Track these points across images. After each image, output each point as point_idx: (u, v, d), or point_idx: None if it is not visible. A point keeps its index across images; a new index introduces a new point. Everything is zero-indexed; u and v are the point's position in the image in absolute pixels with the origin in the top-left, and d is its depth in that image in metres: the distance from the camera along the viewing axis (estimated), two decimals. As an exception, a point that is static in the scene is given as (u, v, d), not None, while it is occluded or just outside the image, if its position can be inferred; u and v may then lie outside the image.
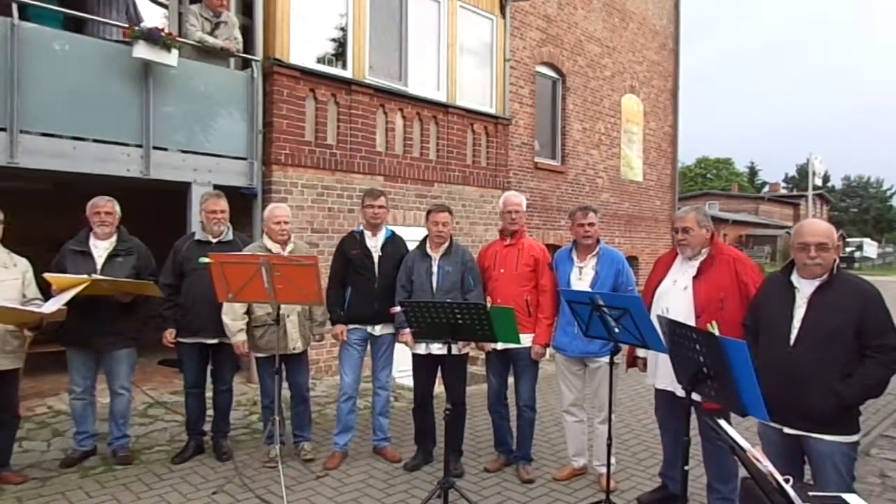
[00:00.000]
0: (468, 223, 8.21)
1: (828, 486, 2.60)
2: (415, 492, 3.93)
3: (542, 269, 4.16)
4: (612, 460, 3.77)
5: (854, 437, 2.76)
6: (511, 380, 4.32)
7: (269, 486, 3.92)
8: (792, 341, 2.80)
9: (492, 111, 8.56)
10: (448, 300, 3.75)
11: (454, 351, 3.72)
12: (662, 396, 3.64)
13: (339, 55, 6.95)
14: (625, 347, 3.62)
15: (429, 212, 4.28)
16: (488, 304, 3.97)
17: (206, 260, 3.81)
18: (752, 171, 67.07)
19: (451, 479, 3.60)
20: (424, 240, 4.30)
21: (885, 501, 3.99)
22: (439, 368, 4.29)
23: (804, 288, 2.84)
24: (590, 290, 3.82)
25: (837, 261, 2.82)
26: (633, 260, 12.28)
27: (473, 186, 8.30)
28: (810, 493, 1.87)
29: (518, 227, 4.28)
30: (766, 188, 56.90)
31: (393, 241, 4.44)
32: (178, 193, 5.79)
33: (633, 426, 5.41)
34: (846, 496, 1.90)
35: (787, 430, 2.82)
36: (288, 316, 4.16)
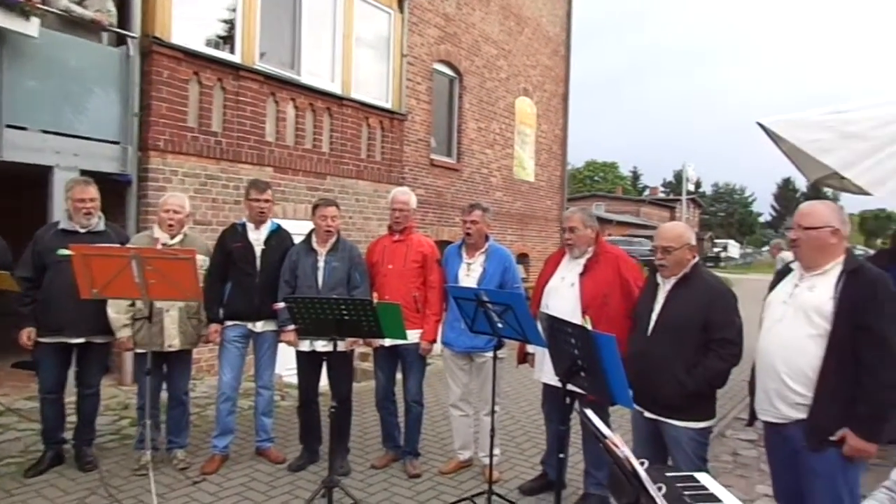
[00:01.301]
0: (361, 218, 8.13)
1: (679, 467, 2.82)
2: (298, 492, 3.83)
3: (430, 266, 4.19)
4: (497, 451, 3.88)
5: (702, 424, 2.97)
6: (399, 376, 4.32)
7: (139, 495, 3.66)
8: (649, 332, 3.03)
9: (388, 106, 8.52)
10: (334, 296, 3.68)
11: (340, 348, 3.67)
12: (548, 391, 3.81)
13: (228, 38, 6.62)
14: (515, 343, 3.73)
15: (315, 206, 4.17)
16: (374, 301, 3.94)
17: (66, 253, 3.47)
18: (635, 176, 71.92)
19: (335, 477, 3.55)
20: (310, 234, 4.19)
21: (736, 477, 4.40)
22: (324, 366, 4.20)
23: (665, 284, 3.07)
24: (476, 286, 3.90)
25: (695, 260, 3.04)
26: (523, 257, 12.72)
27: (367, 181, 8.22)
28: (667, 475, 2.01)
29: (403, 226, 4.26)
30: (647, 192, 61.10)
31: (278, 235, 4.28)
32: (39, 178, 5.25)
33: (517, 417, 5.60)
34: (697, 475, 2.07)
35: (646, 413, 3.04)
36: (167, 311, 3.91)
